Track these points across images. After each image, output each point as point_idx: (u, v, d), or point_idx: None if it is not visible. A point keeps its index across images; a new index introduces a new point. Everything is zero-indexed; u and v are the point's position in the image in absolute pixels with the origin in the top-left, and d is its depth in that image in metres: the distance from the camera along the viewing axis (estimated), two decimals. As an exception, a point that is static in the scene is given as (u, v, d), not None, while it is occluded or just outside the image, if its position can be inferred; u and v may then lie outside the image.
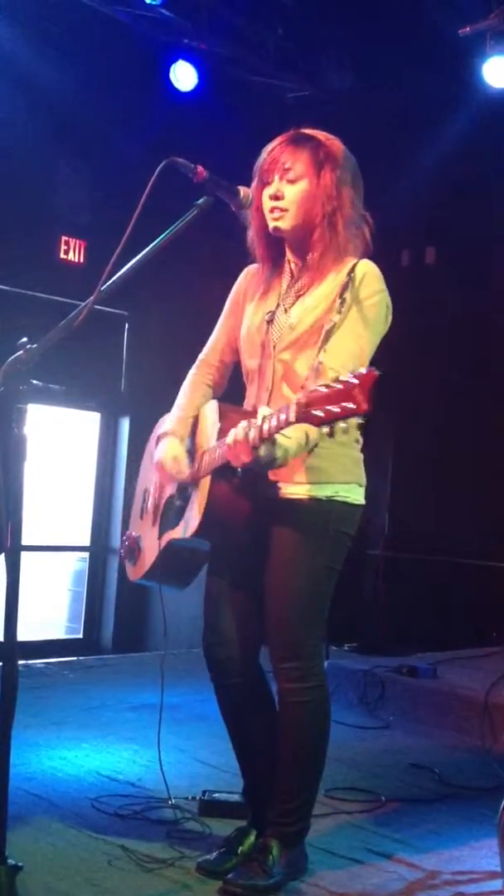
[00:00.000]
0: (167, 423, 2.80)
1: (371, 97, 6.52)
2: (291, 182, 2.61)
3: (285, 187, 2.61)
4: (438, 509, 6.75)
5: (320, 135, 2.67)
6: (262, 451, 2.33)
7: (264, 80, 6.91)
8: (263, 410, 2.32)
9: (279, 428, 2.25)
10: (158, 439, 2.78)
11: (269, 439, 2.30)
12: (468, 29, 5.57)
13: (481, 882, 2.80)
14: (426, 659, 5.30)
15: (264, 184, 2.64)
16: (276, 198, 2.62)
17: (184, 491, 2.72)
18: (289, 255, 2.73)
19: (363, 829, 3.20)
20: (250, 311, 2.75)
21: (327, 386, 2.07)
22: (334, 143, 2.67)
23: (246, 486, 2.53)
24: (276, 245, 2.73)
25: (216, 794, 3.21)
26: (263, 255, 2.74)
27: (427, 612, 6.33)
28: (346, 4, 6.26)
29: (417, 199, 6.50)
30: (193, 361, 2.93)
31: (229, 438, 2.36)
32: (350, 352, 2.46)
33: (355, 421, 2.06)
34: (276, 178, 2.62)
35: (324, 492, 2.61)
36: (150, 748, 3.96)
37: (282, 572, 2.62)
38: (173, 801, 3.21)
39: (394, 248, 6.93)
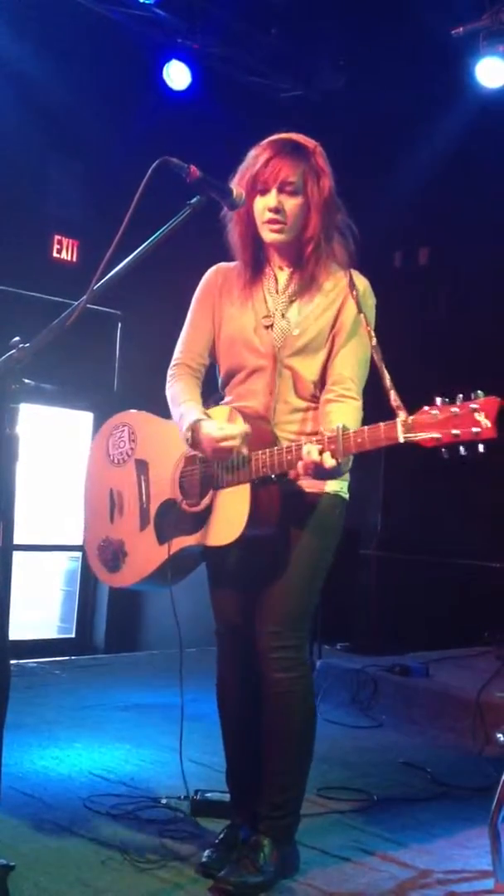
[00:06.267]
0: (186, 418, 2.65)
1: (364, 97, 6.53)
2: (291, 195, 2.63)
3: (286, 200, 2.63)
4: (430, 509, 6.76)
5: (308, 142, 2.69)
6: (342, 466, 2.39)
7: (257, 80, 6.91)
8: (344, 428, 2.33)
9: (376, 446, 2.29)
10: (187, 435, 2.61)
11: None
12: (461, 29, 5.58)
13: (473, 881, 2.81)
14: (418, 658, 5.30)
15: (259, 192, 2.65)
16: (276, 210, 2.63)
17: (197, 496, 2.67)
18: (274, 258, 2.75)
19: (355, 828, 3.20)
20: (234, 313, 2.75)
21: (441, 410, 2.18)
22: (320, 149, 2.69)
23: (281, 491, 2.57)
24: (259, 248, 2.75)
25: (208, 794, 3.21)
26: (248, 259, 2.75)
27: (419, 612, 6.34)
28: (340, 4, 6.26)
29: (411, 199, 6.51)
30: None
31: (313, 455, 2.35)
32: (358, 362, 2.65)
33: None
34: (275, 189, 2.63)
35: (332, 487, 2.69)
36: (142, 748, 3.97)
37: (291, 565, 2.66)
38: (166, 800, 3.22)
39: (387, 249, 6.93)
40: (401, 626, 6.30)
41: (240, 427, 2.54)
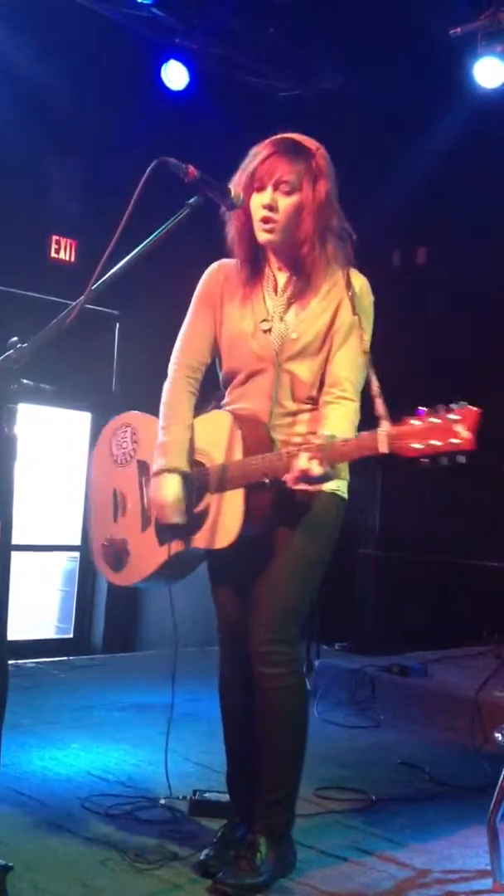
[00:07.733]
0: (163, 456, 2.73)
1: (362, 97, 6.53)
2: (286, 194, 2.62)
3: (280, 199, 2.62)
4: (429, 508, 6.75)
5: (311, 143, 2.68)
6: (329, 473, 2.41)
7: (256, 80, 6.91)
8: (328, 437, 2.40)
9: (361, 455, 2.35)
10: (153, 473, 2.73)
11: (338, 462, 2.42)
12: (459, 29, 5.58)
13: (471, 880, 2.81)
14: (417, 658, 5.31)
15: (255, 189, 2.65)
16: (269, 208, 2.63)
17: (196, 499, 2.68)
18: (272, 259, 2.75)
19: (353, 827, 3.20)
20: (234, 314, 2.75)
21: (422, 421, 2.22)
22: (322, 152, 2.69)
23: (275, 492, 2.58)
24: (257, 247, 2.74)
25: (207, 794, 3.21)
26: (245, 256, 2.74)
27: (418, 611, 6.34)
28: (338, 4, 6.26)
29: (409, 199, 6.51)
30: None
31: (302, 464, 2.38)
32: (354, 363, 2.64)
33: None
34: (271, 187, 2.62)
35: (329, 486, 2.66)
36: (140, 748, 3.97)
37: (285, 561, 2.67)
38: (164, 800, 3.22)
39: (385, 249, 6.94)
40: (399, 626, 6.30)
41: (177, 514, 2.66)
